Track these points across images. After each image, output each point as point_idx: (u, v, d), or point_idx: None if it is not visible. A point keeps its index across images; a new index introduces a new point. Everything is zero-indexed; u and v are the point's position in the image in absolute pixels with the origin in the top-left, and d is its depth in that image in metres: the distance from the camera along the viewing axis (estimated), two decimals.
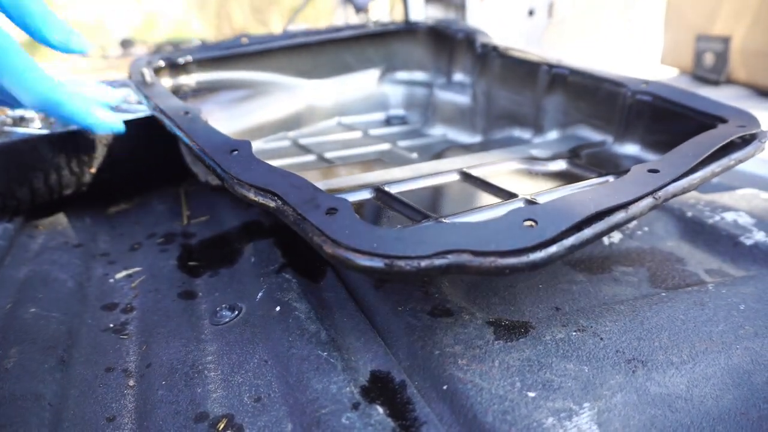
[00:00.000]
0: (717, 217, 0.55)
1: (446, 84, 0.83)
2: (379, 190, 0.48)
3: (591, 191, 0.37)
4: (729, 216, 0.55)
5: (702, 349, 0.36)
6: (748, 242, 0.51)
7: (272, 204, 0.37)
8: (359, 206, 0.46)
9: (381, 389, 0.35)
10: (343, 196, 0.45)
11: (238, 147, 0.44)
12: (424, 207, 0.44)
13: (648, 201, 0.38)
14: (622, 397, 0.32)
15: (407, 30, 0.87)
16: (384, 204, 0.46)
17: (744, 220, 0.54)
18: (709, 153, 0.43)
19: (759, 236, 0.51)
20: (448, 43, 0.84)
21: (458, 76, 0.83)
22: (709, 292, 0.42)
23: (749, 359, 0.35)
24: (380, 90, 0.88)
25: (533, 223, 0.33)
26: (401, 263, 0.30)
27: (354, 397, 0.34)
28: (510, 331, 0.38)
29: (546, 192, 0.46)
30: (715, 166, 0.43)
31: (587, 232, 0.34)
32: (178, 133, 0.49)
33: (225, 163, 0.42)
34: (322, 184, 0.49)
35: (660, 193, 0.39)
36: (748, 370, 0.34)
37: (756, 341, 0.37)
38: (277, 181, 0.39)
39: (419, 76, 0.88)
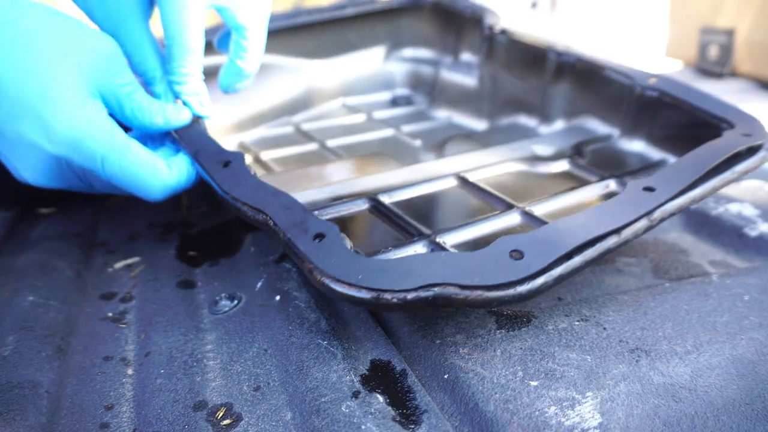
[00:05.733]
0: (721, 209, 0.54)
1: (453, 63, 0.81)
2: (373, 200, 0.48)
3: (582, 216, 0.37)
4: (733, 207, 0.54)
5: (706, 339, 0.36)
6: (753, 233, 0.50)
7: (264, 223, 0.38)
8: (353, 219, 0.46)
9: (381, 378, 0.35)
10: (337, 207, 0.46)
11: (232, 159, 0.44)
12: (419, 218, 0.45)
13: (642, 223, 0.37)
14: (625, 386, 0.32)
15: (413, 6, 0.85)
16: (378, 216, 0.46)
17: (748, 211, 0.54)
18: (710, 168, 0.42)
19: (764, 227, 0.51)
20: (455, 20, 0.81)
21: (465, 56, 0.81)
22: (713, 283, 0.42)
23: (754, 350, 0.35)
24: (385, 68, 0.86)
25: (520, 255, 0.33)
26: (387, 296, 0.31)
27: (354, 385, 0.34)
28: (512, 321, 0.38)
29: (543, 200, 0.46)
30: (716, 182, 0.42)
31: (576, 260, 0.34)
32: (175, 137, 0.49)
33: (218, 177, 0.42)
34: (317, 192, 0.50)
35: (655, 215, 0.38)
36: (752, 361, 0.34)
37: (761, 332, 0.36)
38: (267, 200, 0.39)
39: (425, 54, 0.86)
